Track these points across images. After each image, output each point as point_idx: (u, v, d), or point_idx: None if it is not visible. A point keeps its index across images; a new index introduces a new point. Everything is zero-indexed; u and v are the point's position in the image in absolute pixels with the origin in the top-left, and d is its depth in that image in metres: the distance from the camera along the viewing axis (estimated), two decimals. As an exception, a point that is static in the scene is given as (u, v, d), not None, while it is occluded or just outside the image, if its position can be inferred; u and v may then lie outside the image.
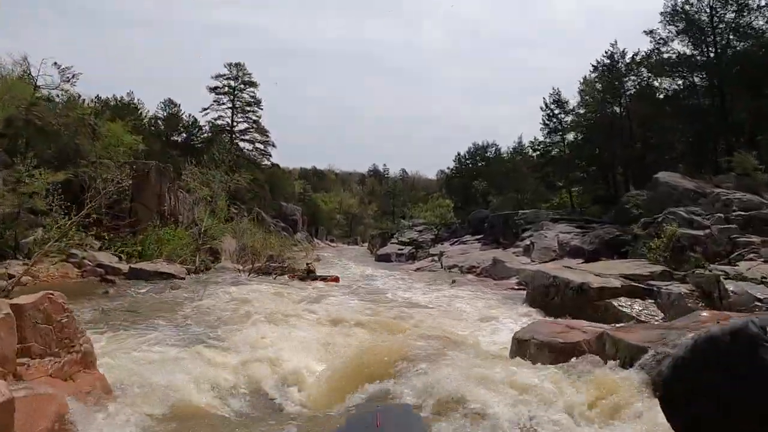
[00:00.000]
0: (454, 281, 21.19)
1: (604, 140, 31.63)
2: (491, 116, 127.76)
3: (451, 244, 39.25)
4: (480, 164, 52.76)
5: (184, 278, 18.50)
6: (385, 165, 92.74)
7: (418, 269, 31.62)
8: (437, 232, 45.74)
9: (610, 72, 31.40)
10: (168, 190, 26.70)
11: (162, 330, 9.11)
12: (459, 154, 58.13)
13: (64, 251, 19.18)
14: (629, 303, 11.96)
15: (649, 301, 12.07)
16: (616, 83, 31.24)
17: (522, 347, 6.68)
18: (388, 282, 21.63)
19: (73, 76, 25.11)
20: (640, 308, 11.71)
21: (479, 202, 46.77)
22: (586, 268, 13.67)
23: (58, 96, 25.19)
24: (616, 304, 11.83)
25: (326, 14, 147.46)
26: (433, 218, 43.89)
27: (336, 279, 21.27)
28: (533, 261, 22.13)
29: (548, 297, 12.67)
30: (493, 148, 55.16)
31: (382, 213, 64.82)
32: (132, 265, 18.75)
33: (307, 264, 22.44)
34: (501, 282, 20.02)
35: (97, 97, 44.19)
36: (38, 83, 24.90)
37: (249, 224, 30.34)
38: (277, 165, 79.38)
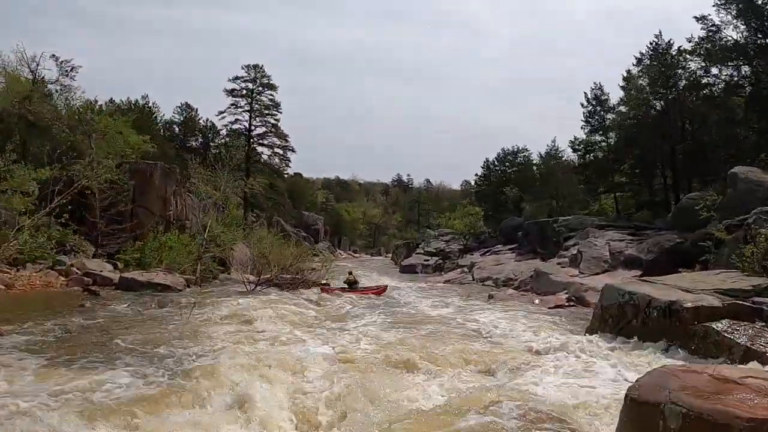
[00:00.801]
0: (491, 296, 18.45)
1: (651, 138, 28.59)
2: (514, 123, 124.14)
3: (481, 255, 36.42)
4: (511, 170, 49.89)
5: (181, 290, 16.15)
6: (409, 175, 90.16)
7: (447, 281, 28.89)
8: (465, 242, 42.92)
9: (659, 62, 28.35)
10: (174, 194, 24.54)
11: (112, 366, 6.66)
12: (487, 160, 55.24)
13: (49, 256, 17.08)
14: (735, 327, 9.13)
15: (760, 324, 9.24)
16: (666, 75, 28.20)
17: (648, 417, 4.03)
18: (418, 296, 19.01)
19: (71, 69, 23.20)
20: (753, 333, 8.88)
21: (510, 209, 43.90)
22: (669, 282, 10.85)
23: (56, 91, 23.29)
24: (717, 328, 9.01)
25: (345, 22, 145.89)
26: (462, 227, 41.07)
27: (384, 289, 19.73)
28: (582, 273, 19.26)
29: (624, 319, 9.89)
30: (523, 154, 52.18)
31: (406, 222, 62.20)
32: (124, 275, 16.49)
33: (349, 274, 20.60)
34: (546, 297, 17.21)
35: (111, 100, 42.80)
36: (37, 77, 23.08)
37: (263, 231, 28.02)
38: (300, 174, 77.59)
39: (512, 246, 34.60)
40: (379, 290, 19.39)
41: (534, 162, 46.23)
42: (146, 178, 23.25)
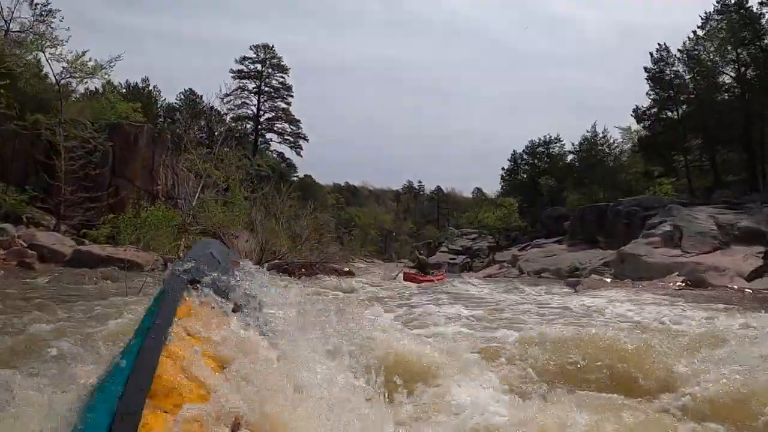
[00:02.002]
0: (574, 284, 13.92)
1: (728, 109, 24.12)
2: (522, 130, 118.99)
3: (519, 249, 31.93)
4: (545, 160, 45.51)
5: (152, 270, 11.84)
6: (420, 182, 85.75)
7: (488, 277, 24.34)
8: (497, 238, 38.43)
9: (739, 14, 23.87)
10: (164, 165, 20.32)
11: None
12: (515, 153, 50.91)
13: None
14: None
15: None
16: (746, 29, 23.75)
17: None
18: (485, 290, 14.55)
19: (48, 13, 19.01)
20: None
21: (546, 201, 39.41)
22: None
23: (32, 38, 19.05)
24: None
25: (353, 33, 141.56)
26: (495, 221, 36.61)
27: (442, 276, 16.90)
28: (687, 252, 14.75)
29: None
30: (557, 144, 47.75)
31: (425, 222, 57.66)
32: (79, 248, 12.20)
33: (419, 252, 18.30)
34: (650, 282, 12.70)
35: (108, 82, 38.87)
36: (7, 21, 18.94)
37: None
38: (309, 176, 73.43)
39: (557, 238, 30.14)
40: (440, 276, 16.92)
41: (570, 150, 41.80)
42: (129, 143, 19.06)
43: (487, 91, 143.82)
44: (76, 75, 17.53)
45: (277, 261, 13.94)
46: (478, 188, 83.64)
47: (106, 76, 18.55)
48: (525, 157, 51.02)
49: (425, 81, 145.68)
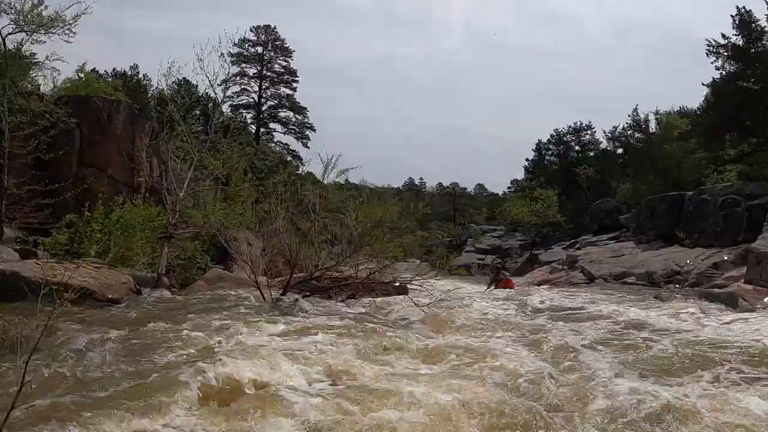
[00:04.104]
0: (727, 298, 9.75)
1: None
2: (523, 128, 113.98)
3: (564, 248, 27.71)
4: (575, 149, 41.48)
5: (118, 300, 7.65)
6: (421, 178, 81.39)
7: (544, 283, 20.05)
8: (533, 235, 34.30)
9: None
10: (148, 152, 16.01)
11: None
12: (540, 141, 46.78)
13: None
14: None
15: None
16: None
17: None
18: (608, 305, 10.49)
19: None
20: None
21: (584, 194, 35.30)
22: None
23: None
24: None
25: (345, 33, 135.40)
26: (531, 217, 32.48)
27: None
28: None
29: None
30: (588, 132, 43.63)
31: (442, 219, 53.45)
32: (3, 267, 7.94)
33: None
34: None
35: (93, 69, 34.57)
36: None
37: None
38: (311, 173, 69.35)
39: (613, 234, 25.95)
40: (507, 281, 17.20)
41: (611, 135, 37.67)
42: (100, 122, 14.75)
43: (487, 88, 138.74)
44: (27, 29, 13.18)
45: (306, 276, 9.64)
46: (479, 184, 79.80)
47: (69, 33, 14.15)
48: (551, 147, 46.93)
49: (422, 78, 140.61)
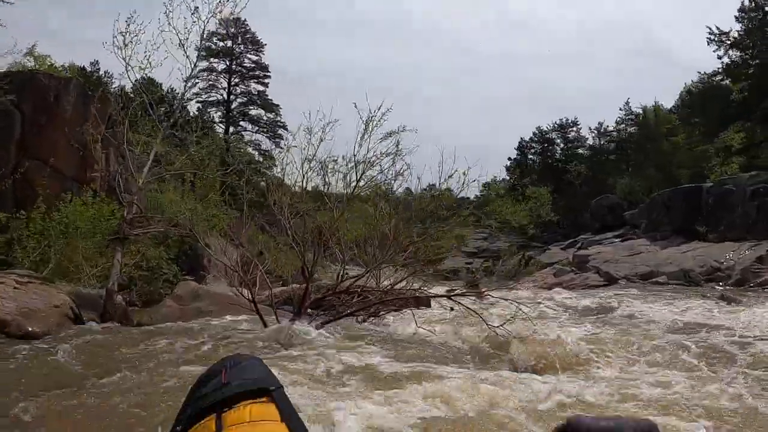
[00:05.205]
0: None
1: None
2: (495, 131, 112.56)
3: (562, 249, 25.98)
4: (563, 146, 40.05)
5: (38, 335, 5.22)
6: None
7: (555, 286, 18.09)
8: (529, 235, 32.55)
9: None
10: (103, 143, 13.43)
11: None
12: (522, 139, 45.36)
13: None
14: None
15: None
16: None
17: None
18: (658, 310, 8.55)
19: None
20: None
21: (576, 192, 33.82)
22: None
23: None
24: None
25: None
26: (523, 217, 30.78)
27: None
28: None
29: None
30: (573, 128, 42.28)
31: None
32: None
33: None
34: None
35: (51, 65, 31.50)
36: None
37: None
38: (277, 176, 66.62)
39: (618, 231, 24.32)
40: None
41: (603, 130, 36.34)
42: (46, 103, 12.17)
43: (453, 93, 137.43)
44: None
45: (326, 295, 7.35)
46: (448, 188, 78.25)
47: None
48: (534, 145, 45.54)
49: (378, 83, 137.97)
